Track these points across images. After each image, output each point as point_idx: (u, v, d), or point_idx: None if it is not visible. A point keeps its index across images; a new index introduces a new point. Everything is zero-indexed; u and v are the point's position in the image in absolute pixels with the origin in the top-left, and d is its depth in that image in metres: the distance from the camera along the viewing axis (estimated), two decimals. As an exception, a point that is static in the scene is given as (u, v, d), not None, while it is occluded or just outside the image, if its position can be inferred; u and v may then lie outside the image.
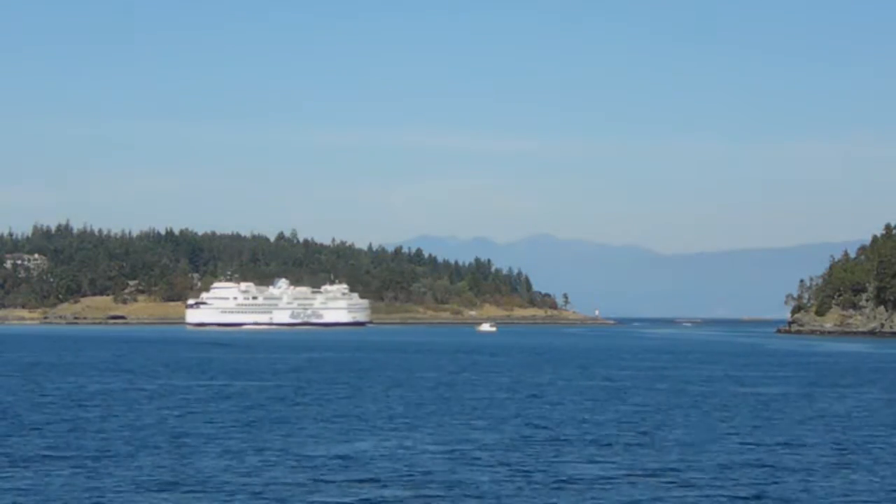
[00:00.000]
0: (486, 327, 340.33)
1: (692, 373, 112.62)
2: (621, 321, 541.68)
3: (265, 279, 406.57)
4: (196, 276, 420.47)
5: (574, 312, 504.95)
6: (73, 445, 49.79)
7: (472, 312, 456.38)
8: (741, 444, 52.32)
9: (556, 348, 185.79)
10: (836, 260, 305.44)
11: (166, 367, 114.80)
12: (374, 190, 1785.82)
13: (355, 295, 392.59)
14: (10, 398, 75.08)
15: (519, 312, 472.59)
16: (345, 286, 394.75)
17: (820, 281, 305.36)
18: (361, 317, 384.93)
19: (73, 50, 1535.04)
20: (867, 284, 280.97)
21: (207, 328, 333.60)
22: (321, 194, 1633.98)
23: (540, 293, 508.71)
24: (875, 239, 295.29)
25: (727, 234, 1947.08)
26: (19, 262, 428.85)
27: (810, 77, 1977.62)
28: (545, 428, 57.98)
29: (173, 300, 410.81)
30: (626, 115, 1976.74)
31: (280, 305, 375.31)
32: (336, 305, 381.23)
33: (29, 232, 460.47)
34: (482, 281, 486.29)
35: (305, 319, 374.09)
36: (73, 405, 69.83)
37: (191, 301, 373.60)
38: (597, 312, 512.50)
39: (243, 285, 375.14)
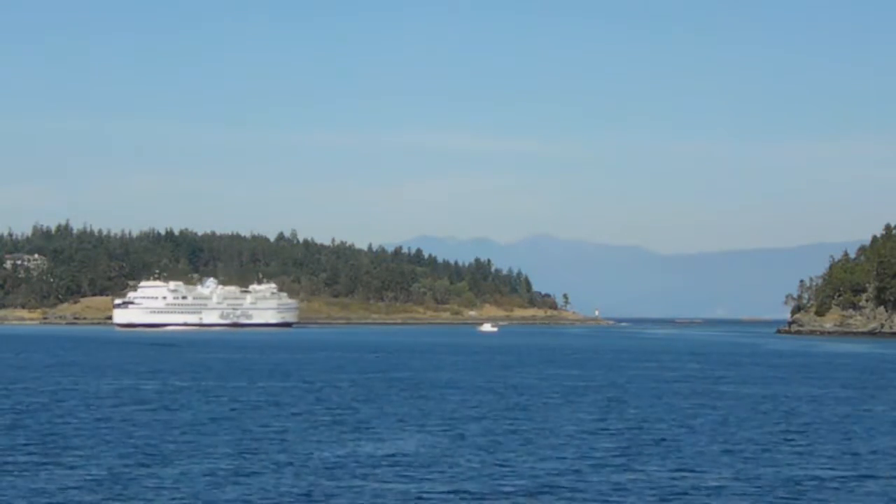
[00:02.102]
0: (487, 327, 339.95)
1: (728, 373, 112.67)
2: (621, 321, 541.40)
3: (266, 280, 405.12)
4: (196, 276, 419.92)
5: (574, 313, 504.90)
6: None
7: (472, 313, 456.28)
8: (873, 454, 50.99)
9: (572, 349, 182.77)
10: (835, 260, 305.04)
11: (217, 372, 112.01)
12: (373, 190, 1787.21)
13: (284, 295, 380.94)
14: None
15: (519, 313, 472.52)
16: (273, 285, 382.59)
17: (820, 281, 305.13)
18: (290, 317, 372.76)
19: (73, 49, 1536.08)
20: (867, 285, 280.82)
21: (136, 329, 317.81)
22: (321, 194, 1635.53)
23: (540, 293, 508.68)
24: (875, 239, 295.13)
25: (727, 234, 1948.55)
26: (19, 262, 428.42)
27: (810, 77, 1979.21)
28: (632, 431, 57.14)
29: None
30: (626, 115, 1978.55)
31: (210, 305, 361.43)
32: (266, 306, 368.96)
33: (29, 232, 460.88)
34: (482, 281, 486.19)
35: (235, 320, 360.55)
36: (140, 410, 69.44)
37: (118, 301, 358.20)
38: (597, 313, 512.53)
39: (172, 284, 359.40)
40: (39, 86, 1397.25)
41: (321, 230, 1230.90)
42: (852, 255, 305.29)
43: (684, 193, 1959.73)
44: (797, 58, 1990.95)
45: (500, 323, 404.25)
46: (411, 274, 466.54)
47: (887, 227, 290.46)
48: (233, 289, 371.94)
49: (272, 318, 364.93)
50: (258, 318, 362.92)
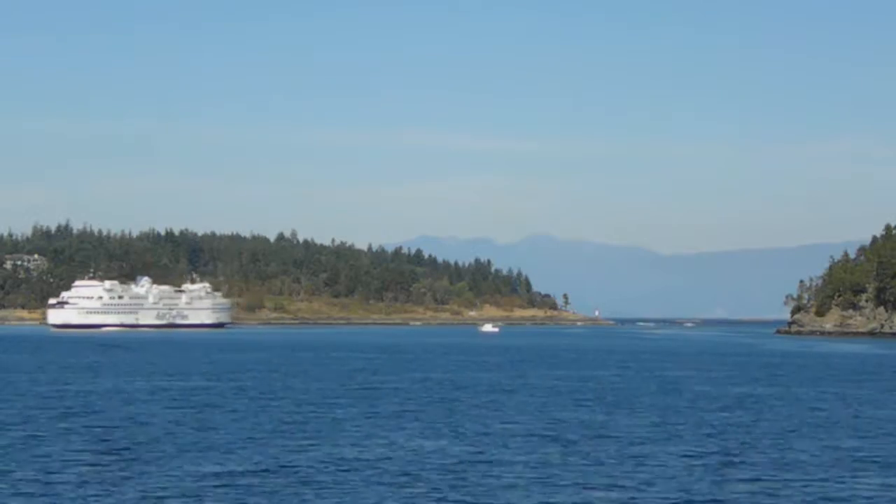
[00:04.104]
0: (488, 328, 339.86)
1: (768, 374, 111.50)
2: (621, 321, 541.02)
3: (265, 279, 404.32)
4: (196, 276, 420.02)
5: (574, 313, 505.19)
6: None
7: (472, 313, 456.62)
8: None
9: (587, 350, 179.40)
10: (835, 260, 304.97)
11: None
12: (374, 190, 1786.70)
13: (219, 294, 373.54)
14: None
15: (519, 313, 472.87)
16: (207, 285, 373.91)
17: (820, 281, 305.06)
18: (224, 317, 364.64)
19: (72, 49, 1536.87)
20: (867, 285, 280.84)
21: (71, 330, 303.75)
22: (321, 194, 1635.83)
23: (540, 293, 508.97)
24: (875, 239, 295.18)
25: (727, 234, 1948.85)
26: (19, 262, 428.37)
27: (811, 77, 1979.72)
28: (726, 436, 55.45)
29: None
30: (627, 115, 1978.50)
31: (146, 305, 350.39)
32: (201, 305, 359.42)
33: (29, 232, 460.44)
34: (482, 281, 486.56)
35: (171, 320, 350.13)
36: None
37: (52, 300, 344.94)
38: (597, 313, 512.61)
39: (108, 283, 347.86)
40: (40, 86, 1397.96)
41: (321, 230, 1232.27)
42: (852, 255, 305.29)
43: (684, 193, 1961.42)
44: (797, 57, 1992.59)
45: (499, 323, 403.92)
46: (411, 274, 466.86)
47: (887, 227, 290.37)
48: (167, 288, 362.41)
49: (207, 318, 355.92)
50: (193, 318, 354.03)
